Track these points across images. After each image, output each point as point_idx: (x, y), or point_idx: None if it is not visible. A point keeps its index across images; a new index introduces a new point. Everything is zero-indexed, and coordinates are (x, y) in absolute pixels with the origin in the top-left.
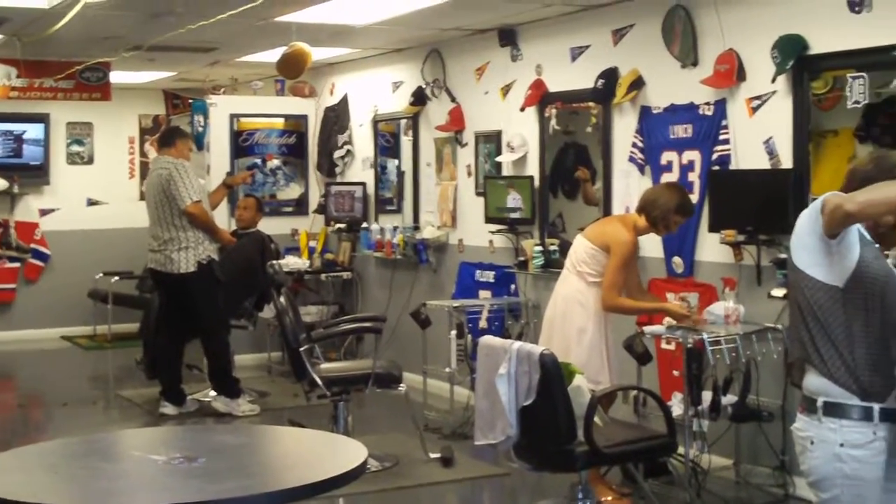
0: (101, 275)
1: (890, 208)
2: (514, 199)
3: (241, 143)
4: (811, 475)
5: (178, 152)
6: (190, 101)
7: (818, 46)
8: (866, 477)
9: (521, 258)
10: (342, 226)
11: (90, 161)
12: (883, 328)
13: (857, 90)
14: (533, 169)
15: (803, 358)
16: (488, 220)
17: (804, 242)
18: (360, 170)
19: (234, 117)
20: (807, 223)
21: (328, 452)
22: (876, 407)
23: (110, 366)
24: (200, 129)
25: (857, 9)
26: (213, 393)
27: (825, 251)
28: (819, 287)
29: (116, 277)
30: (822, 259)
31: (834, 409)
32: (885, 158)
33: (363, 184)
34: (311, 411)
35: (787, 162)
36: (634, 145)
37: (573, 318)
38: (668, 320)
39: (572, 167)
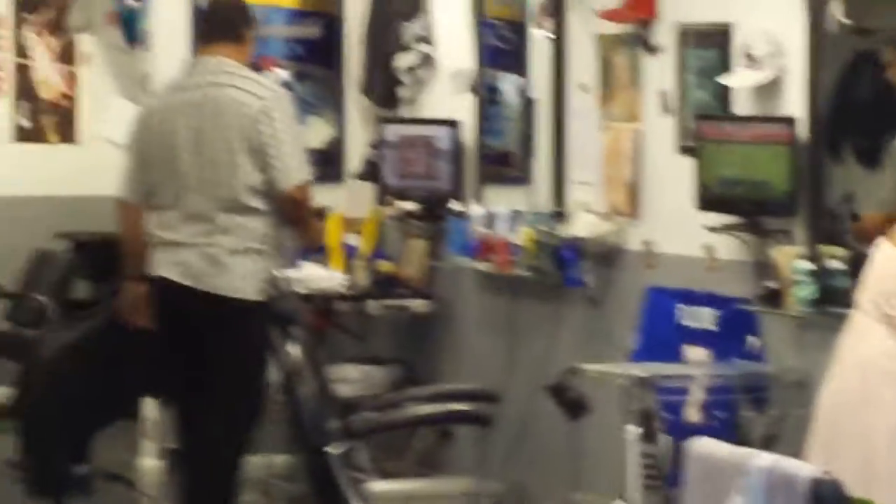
0: None
1: None
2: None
3: None
4: None
5: (248, 53)
6: None
7: None
8: None
9: (771, 283)
10: (412, 207)
11: None
12: None
13: None
14: (796, 103)
15: None
16: (705, 204)
17: None
18: (446, 95)
19: None
20: None
21: None
22: None
23: None
24: (134, 3)
25: None
26: None
27: None
28: None
29: None
30: None
31: None
32: None
33: (454, 123)
34: None
35: None
36: None
37: (881, 404)
38: None
39: (873, 101)
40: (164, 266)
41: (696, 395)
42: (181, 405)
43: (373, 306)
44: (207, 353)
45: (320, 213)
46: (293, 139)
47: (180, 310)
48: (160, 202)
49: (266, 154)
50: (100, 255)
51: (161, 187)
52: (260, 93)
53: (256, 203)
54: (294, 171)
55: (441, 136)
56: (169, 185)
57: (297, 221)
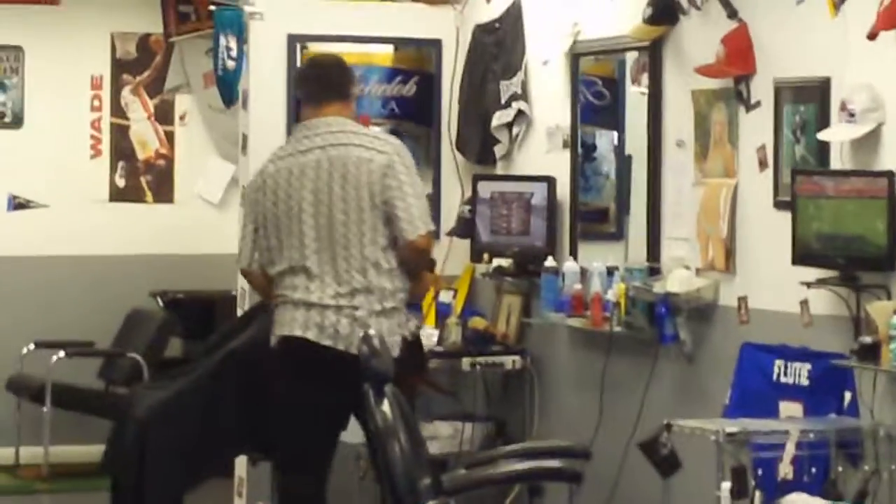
0: (31, 347)
1: None
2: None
3: None
4: None
5: (354, 109)
6: (212, 7)
7: None
8: None
9: (867, 338)
10: (505, 263)
11: (16, 123)
12: None
13: None
14: (894, 157)
15: None
16: (801, 259)
17: None
18: (542, 151)
19: (295, 41)
20: None
21: None
22: None
23: None
24: (232, 64)
25: None
26: None
27: None
28: None
29: (61, 353)
30: None
31: None
32: None
33: (549, 179)
34: None
35: None
36: None
37: None
38: None
39: None
40: (299, 325)
41: (790, 451)
42: (293, 462)
43: (465, 363)
44: (346, 412)
45: (431, 265)
46: (416, 190)
47: (310, 368)
48: (288, 264)
49: (393, 206)
50: (193, 314)
51: (288, 250)
52: (382, 147)
53: (384, 259)
54: (419, 220)
55: (536, 192)
56: (296, 247)
57: (414, 272)
